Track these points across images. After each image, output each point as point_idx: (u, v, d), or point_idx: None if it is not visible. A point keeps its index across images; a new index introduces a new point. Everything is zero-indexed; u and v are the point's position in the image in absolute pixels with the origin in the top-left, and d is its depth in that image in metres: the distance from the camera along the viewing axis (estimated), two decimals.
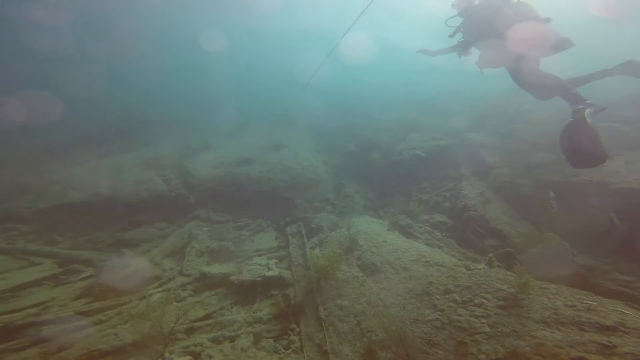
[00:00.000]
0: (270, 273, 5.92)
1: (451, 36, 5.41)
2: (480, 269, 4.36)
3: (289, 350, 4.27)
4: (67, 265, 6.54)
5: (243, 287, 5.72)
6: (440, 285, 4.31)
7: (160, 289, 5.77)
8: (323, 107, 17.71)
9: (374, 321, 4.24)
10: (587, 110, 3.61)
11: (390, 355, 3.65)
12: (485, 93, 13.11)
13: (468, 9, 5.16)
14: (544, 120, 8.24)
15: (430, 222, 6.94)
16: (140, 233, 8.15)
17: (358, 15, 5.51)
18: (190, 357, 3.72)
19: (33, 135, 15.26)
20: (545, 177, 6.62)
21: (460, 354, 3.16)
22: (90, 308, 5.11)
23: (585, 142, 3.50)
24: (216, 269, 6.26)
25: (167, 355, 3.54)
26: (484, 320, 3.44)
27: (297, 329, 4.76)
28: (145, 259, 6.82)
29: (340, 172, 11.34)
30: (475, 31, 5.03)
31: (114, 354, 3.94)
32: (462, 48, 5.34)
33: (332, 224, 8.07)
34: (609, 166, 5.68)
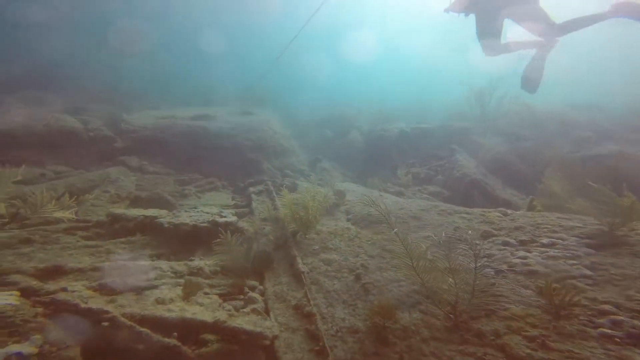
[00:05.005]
0: (224, 219, 4.08)
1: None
2: (521, 213, 3.35)
3: (247, 310, 2.52)
4: None
5: (176, 235, 3.75)
6: (472, 230, 3.13)
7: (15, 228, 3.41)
8: (304, 104, 16.66)
9: (385, 273, 2.80)
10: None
11: (419, 316, 2.23)
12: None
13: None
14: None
15: (424, 192, 5.95)
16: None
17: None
18: (17, 292, 1.74)
19: None
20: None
21: (557, 305, 1.94)
22: None
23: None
24: (136, 211, 4.15)
25: None
26: (572, 262, 2.31)
27: (260, 287, 3.03)
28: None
29: (315, 151, 10.04)
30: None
31: None
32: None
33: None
34: None
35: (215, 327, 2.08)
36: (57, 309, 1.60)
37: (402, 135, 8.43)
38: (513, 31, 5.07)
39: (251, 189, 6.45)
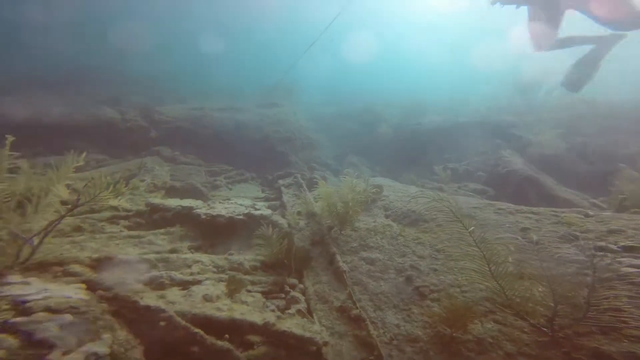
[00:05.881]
0: (259, 212, 4.00)
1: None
2: (610, 214, 2.94)
3: (292, 311, 2.39)
4: None
5: (213, 227, 3.72)
6: (546, 232, 2.78)
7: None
8: (321, 96, 16.28)
9: (442, 277, 2.55)
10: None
11: (494, 327, 1.97)
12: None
13: None
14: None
15: (465, 189, 5.53)
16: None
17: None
18: (83, 285, 1.71)
19: None
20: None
21: None
22: None
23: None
24: (173, 202, 4.17)
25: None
26: None
27: (300, 286, 2.90)
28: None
29: (341, 145, 9.76)
30: None
31: None
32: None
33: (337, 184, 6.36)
34: None
35: (264, 330, 1.96)
36: (120, 305, 1.54)
37: (438, 129, 7.93)
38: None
39: (280, 182, 6.35)
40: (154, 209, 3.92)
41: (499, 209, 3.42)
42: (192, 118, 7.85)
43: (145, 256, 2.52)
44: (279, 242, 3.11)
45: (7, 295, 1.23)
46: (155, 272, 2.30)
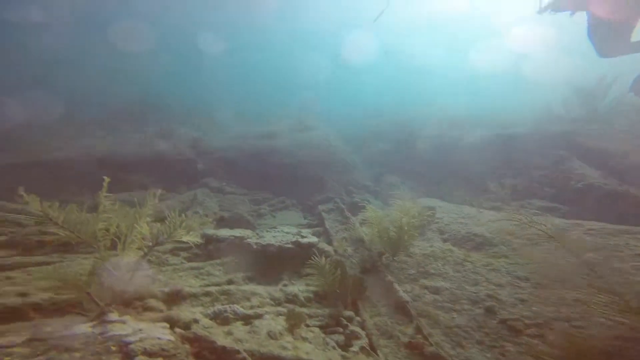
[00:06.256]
0: (307, 240, 3.96)
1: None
2: None
3: (355, 348, 2.22)
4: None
5: (264, 256, 3.74)
6: None
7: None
8: (343, 114, 16.40)
9: (535, 308, 2.20)
10: None
11: None
12: None
13: None
14: None
15: (528, 207, 4.97)
16: (128, 196, 6.37)
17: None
18: (166, 323, 1.75)
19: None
20: None
21: None
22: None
23: None
24: (225, 232, 4.34)
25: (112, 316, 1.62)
26: None
27: (358, 319, 2.72)
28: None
29: (375, 165, 9.60)
30: None
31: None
32: None
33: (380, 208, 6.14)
34: None
35: None
36: (200, 346, 1.55)
37: (486, 141, 7.43)
38: None
39: (320, 207, 6.34)
40: (208, 239, 4.11)
41: (590, 229, 2.96)
42: (233, 147, 8.39)
43: (207, 288, 2.59)
44: (331, 272, 3.00)
45: (113, 336, 1.30)
46: (219, 306, 2.32)
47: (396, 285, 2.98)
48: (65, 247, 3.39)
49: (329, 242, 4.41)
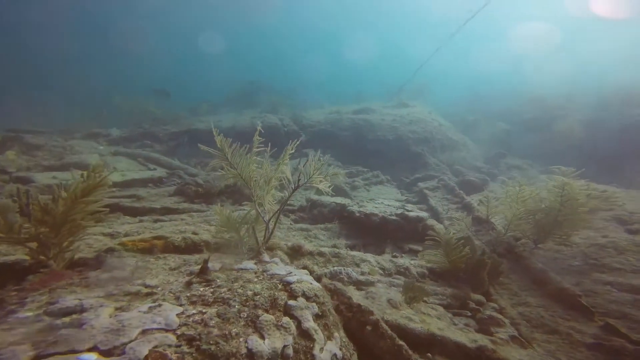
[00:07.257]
0: (414, 214, 3.62)
1: None
2: None
3: (503, 336, 1.86)
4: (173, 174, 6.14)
5: (367, 225, 3.65)
6: None
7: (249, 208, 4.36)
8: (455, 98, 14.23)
9: None
10: None
11: None
12: None
13: None
14: None
15: None
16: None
17: None
18: (305, 270, 1.87)
19: None
20: None
21: None
22: (177, 207, 4.07)
23: None
24: (328, 198, 4.46)
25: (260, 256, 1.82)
26: None
27: (493, 305, 2.29)
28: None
29: (489, 146, 7.96)
30: None
31: (183, 248, 2.51)
32: None
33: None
34: None
35: (479, 356, 1.53)
36: (339, 300, 1.58)
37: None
38: None
39: (421, 185, 5.75)
40: (313, 204, 4.32)
41: None
42: (331, 121, 8.50)
43: (322, 249, 2.67)
44: (458, 249, 2.60)
45: (274, 274, 1.44)
46: (333, 267, 2.36)
47: (552, 275, 2.35)
48: (207, 199, 4.22)
49: (438, 220, 3.93)
